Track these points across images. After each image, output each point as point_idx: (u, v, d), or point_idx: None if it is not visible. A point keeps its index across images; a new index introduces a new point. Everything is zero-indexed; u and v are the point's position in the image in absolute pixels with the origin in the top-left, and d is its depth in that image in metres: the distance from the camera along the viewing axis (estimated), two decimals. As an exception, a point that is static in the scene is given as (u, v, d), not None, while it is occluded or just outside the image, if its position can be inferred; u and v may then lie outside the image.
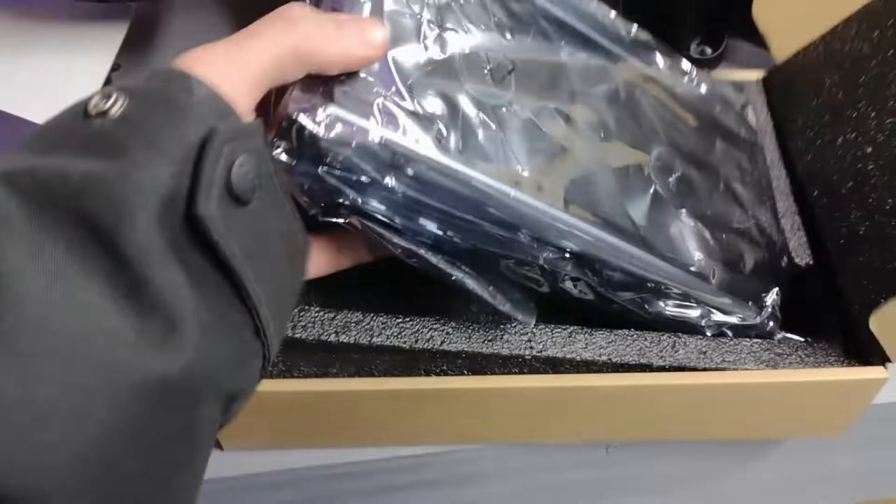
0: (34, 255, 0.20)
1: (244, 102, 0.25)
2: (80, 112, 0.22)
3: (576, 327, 0.36)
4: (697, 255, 0.36)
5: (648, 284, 0.34)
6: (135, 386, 0.20)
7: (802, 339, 0.38)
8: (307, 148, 0.26)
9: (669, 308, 0.35)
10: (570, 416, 0.39)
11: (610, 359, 0.36)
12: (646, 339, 0.36)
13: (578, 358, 0.36)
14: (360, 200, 0.28)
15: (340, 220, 0.29)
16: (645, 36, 0.43)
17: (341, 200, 0.28)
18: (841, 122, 0.42)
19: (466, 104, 0.30)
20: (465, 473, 0.42)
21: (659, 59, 0.43)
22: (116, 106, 0.22)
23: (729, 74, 0.51)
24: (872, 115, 0.41)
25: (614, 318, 0.37)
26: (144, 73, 0.24)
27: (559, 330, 0.36)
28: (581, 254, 0.32)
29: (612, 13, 0.41)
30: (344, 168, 0.27)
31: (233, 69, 0.25)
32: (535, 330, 0.36)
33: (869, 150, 0.40)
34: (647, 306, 0.35)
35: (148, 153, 0.21)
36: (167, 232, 0.21)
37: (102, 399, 0.20)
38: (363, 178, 0.27)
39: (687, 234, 0.36)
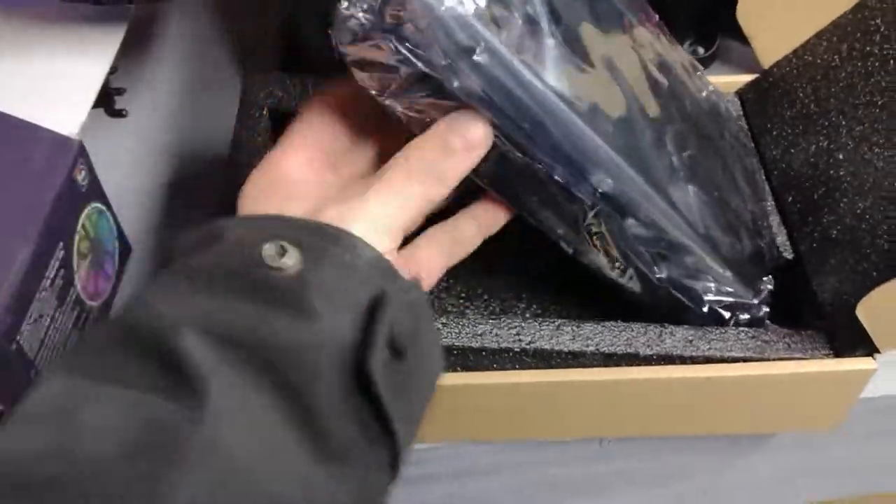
0: (239, 406, 0.22)
1: (393, 249, 0.28)
2: (254, 260, 0.24)
3: (563, 320, 0.38)
4: (707, 224, 0.38)
5: (664, 242, 0.36)
6: None
7: (790, 329, 0.40)
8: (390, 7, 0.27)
9: (675, 273, 0.37)
10: (561, 411, 0.40)
11: (598, 349, 0.37)
12: (632, 330, 0.38)
13: (566, 349, 0.37)
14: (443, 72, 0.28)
15: (399, 107, 0.30)
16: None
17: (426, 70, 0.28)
18: (813, 130, 0.45)
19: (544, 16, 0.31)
20: (461, 468, 0.42)
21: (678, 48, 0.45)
22: (292, 262, 0.24)
23: (721, 79, 0.52)
24: (843, 123, 0.43)
25: (615, 298, 0.38)
26: (297, 221, 0.27)
27: (546, 323, 0.38)
28: (613, 195, 0.33)
29: None
30: (423, 39, 0.27)
31: (380, 228, 0.28)
32: (523, 324, 0.38)
33: (840, 156, 0.43)
34: (655, 269, 0.37)
35: (333, 316, 0.24)
36: (345, 389, 0.24)
37: None
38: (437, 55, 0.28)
39: (696, 206, 0.38)
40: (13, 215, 0.36)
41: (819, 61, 0.46)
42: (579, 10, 0.34)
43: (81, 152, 0.40)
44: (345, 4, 0.28)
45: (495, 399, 0.39)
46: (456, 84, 0.29)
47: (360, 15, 0.28)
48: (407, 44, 0.28)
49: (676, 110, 0.40)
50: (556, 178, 0.32)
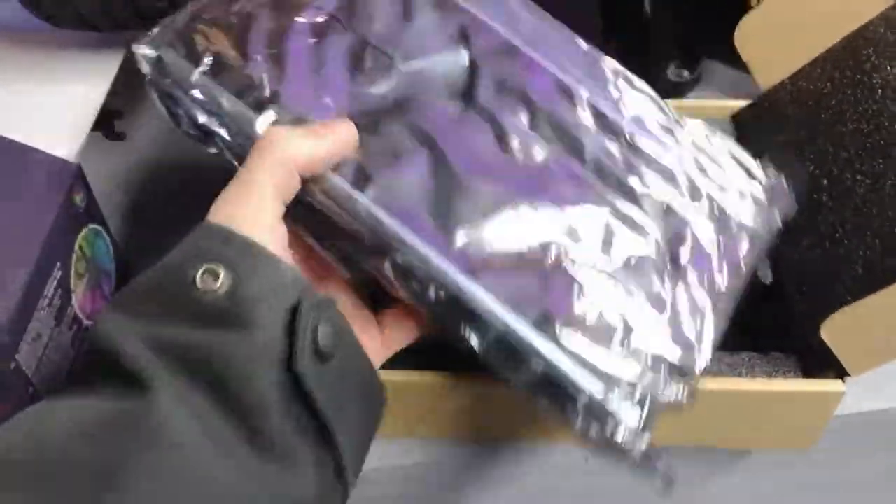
0: (184, 408, 0.25)
1: (281, 245, 0.30)
2: (186, 284, 0.27)
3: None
4: None
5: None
6: None
7: (754, 353, 0.41)
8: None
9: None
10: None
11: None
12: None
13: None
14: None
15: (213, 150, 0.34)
16: None
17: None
18: (802, 157, 0.45)
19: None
20: (447, 483, 0.44)
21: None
22: (224, 285, 0.27)
23: (709, 104, 0.53)
24: (830, 149, 0.44)
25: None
26: (226, 235, 0.28)
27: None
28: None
29: None
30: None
31: (265, 227, 0.30)
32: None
33: (824, 182, 0.43)
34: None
35: (263, 325, 0.27)
36: (279, 389, 0.27)
37: None
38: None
39: None
40: (12, 237, 0.37)
41: (812, 88, 0.47)
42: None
43: (79, 175, 0.42)
44: None
45: (472, 400, 0.41)
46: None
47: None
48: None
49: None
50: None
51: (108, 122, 0.59)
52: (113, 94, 0.56)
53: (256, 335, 0.27)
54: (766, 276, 0.44)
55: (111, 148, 0.59)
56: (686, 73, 0.58)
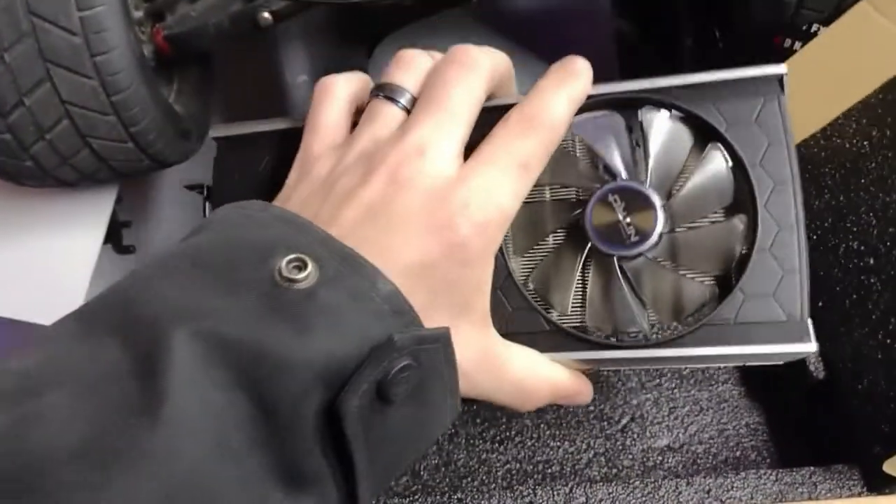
0: (203, 413, 0.21)
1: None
2: (267, 268, 0.23)
3: (574, 482, 0.37)
4: None
5: None
6: None
7: (815, 468, 0.38)
8: None
9: None
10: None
11: (612, 511, 0.36)
12: (647, 486, 0.37)
13: (580, 513, 0.36)
14: None
15: None
16: None
17: None
18: (843, 228, 0.42)
19: None
20: None
21: None
22: (307, 280, 0.23)
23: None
24: (874, 222, 0.40)
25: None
26: (321, 236, 0.25)
27: (559, 487, 0.37)
28: None
29: None
30: None
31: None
32: (536, 489, 0.37)
33: (871, 261, 0.40)
34: None
35: (329, 340, 0.22)
36: (318, 417, 0.22)
37: None
38: None
39: None
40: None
41: (848, 146, 0.43)
42: None
43: None
44: None
45: None
46: None
47: None
48: None
49: None
50: None
51: (115, 234, 0.59)
52: (118, 201, 0.55)
53: (319, 349, 0.22)
54: (819, 371, 0.41)
55: (121, 263, 0.58)
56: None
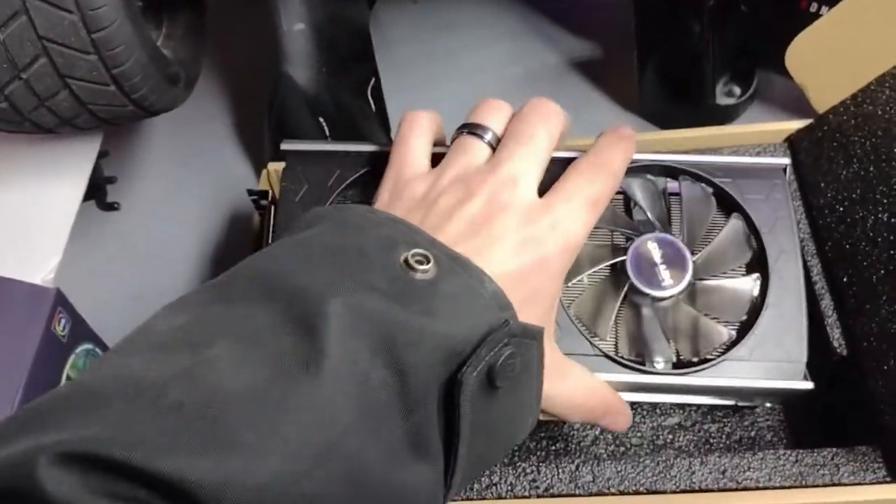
0: (350, 373, 0.23)
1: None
2: (396, 259, 0.27)
3: (580, 460, 0.35)
4: None
5: None
6: None
7: (837, 449, 0.36)
8: None
9: None
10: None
11: (620, 490, 0.34)
12: (658, 465, 0.35)
13: (586, 492, 0.34)
14: None
15: None
16: None
17: None
18: (873, 199, 0.39)
19: None
20: None
21: None
22: (428, 272, 0.27)
23: (760, 128, 0.47)
24: (907, 194, 0.38)
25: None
26: (433, 241, 0.28)
27: (564, 465, 0.35)
28: None
29: None
30: None
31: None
32: (540, 467, 0.35)
33: (903, 235, 0.37)
34: None
35: (451, 322, 0.26)
36: (439, 388, 0.26)
37: None
38: None
39: None
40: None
41: (880, 112, 0.41)
42: None
43: (59, 300, 0.39)
44: None
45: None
46: None
47: None
48: None
49: None
50: None
51: (100, 189, 0.55)
52: (103, 155, 0.52)
53: (444, 328, 0.25)
54: (842, 348, 0.38)
55: (105, 219, 0.55)
56: (738, 90, 0.51)
